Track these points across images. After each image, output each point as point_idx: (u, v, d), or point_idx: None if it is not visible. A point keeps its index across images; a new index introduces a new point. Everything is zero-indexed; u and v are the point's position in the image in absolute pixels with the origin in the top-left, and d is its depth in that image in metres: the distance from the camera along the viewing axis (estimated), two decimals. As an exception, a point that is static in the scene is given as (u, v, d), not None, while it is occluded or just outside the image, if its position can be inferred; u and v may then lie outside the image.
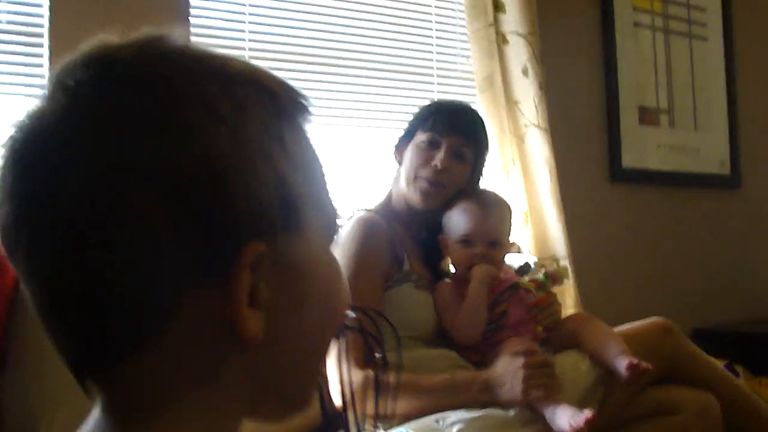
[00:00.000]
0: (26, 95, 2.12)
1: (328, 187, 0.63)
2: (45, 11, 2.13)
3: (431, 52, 2.91)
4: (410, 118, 2.15)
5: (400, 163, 2.10)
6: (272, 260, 0.55)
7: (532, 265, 2.18)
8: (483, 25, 2.81)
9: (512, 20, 2.81)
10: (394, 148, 2.14)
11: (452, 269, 2.10)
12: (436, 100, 2.64)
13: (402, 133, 2.14)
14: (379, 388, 1.57)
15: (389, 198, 2.13)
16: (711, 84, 3.63)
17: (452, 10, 2.95)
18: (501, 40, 2.83)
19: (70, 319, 0.54)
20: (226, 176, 0.53)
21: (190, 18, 2.36)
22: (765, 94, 3.85)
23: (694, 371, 2.04)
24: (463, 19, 2.89)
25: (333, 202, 0.64)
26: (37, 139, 0.53)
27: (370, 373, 1.69)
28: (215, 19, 2.49)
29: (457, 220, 2.00)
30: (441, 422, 1.77)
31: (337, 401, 1.70)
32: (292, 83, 0.62)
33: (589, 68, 3.26)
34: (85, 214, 0.51)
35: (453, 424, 1.76)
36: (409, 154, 2.06)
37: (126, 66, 0.54)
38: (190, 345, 0.54)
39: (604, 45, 3.29)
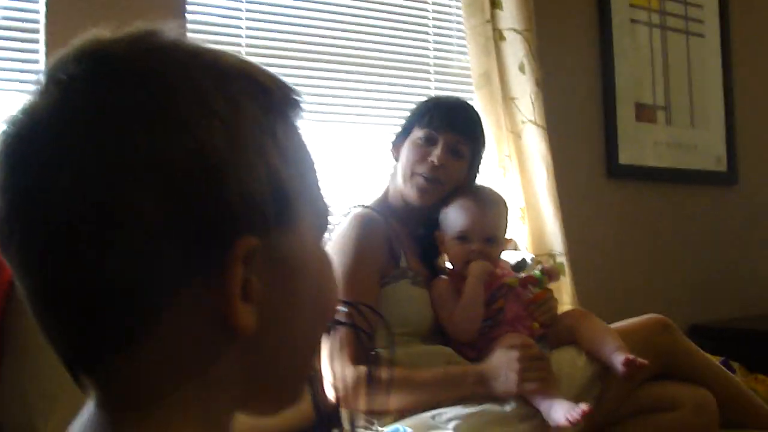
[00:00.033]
0: (22, 91, 2.12)
1: (320, 182, 0.64)
2: (41, 7, 2.13)
3: (428, 48, 2.91)
4: (407, 114, 2.15)
5: (397, 160, 2.10)
6: (265, 254, 0.55)
7: (529, 262, 2.18)
8: (480, 21, 2.80)
9: (509, 17, 2.81)
10: (391, 145, 2.14)
11: (449, 265, 2.10)
12: (433, 96, 2.64)
13: (399, 129, 2.14)
14: (371, 383, 1.58)
15: (386, 194, 2.13)
16: (708, 81, 3.63)
17: (449, 6, 2.95)
18: (498, 36, 2.83)
19: (63, 313, 0.54)
20: (219, 171, 0.53)
21: (186, 14, 2.35)
22: (761, 91, 3.85)
23: (691, 367, 2.04)
24: (460, 15, 2.89)
25: (325, 198, 0.64)
26: (30, 133, 0.53)
27: (363, 368, 1.70)
28: (212, 15, 2.49)
29: (454, 217, 2.00)
30: (437, 418, 1.77)
31: (331, 396, 1.71)
32: (284, 79, 0.62)
33: (586, 65, 3.26)
34: (78, 209, 0.51)
35: (449, 420, 1.76)
36: (405, 150, 2.06)
37: (119, 60, 0.54)
38: (182, 339, 0.54)
39: (601, 42, 3.29)
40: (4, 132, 0.54)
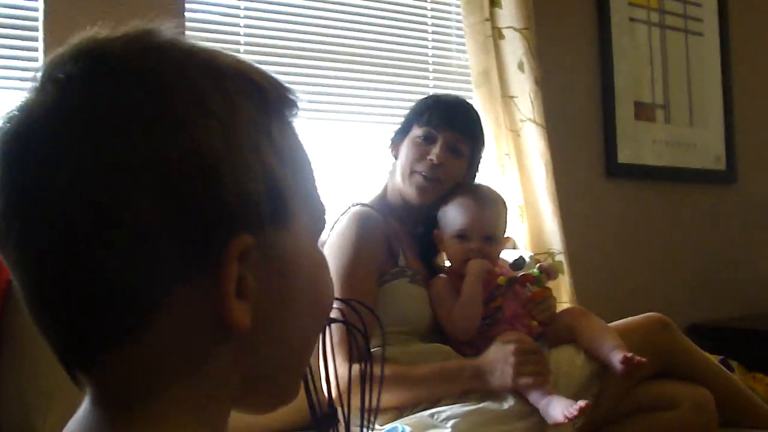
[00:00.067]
0: (20, 88, 2.12)
1: (316, 181, 0.64)
2: (40, 4, 2.12)
3: (427, 47, 2.91)
4: (406, 112, 2.15)
5: (396, 158, 2.10)
6: (260, 253, 0.55)
7: (527, 260, 2.18)
8: (479, 19, 2.80)
9: (508, 15, 2.81)
10: (390, 143, 2.14)
11: (447, 264, 2.10)
12: (432, 94, 2.64)
13: (398, 127, 2.14)
14: (365, 380, 1.58)
15: (385, 192, 2.12)
16: (707, 79, 3.63)
17: (448, 5, 2.95)
18: (497, 34, 2.83)
19: (59, 310, 0.54)
20: (215, 170, 0.53)
21: (185, 12, 2.35)
22: (760, 90, 3.86)
23: (689, 366, 2.05)
24: (458, 14, 2.88)
25: (320, 197, 0.65)
26: (27, 131, 0.53)
27: (358, 366, 1.70)
28: (210, 13, 2.49)
29: (453, 215, 2.00)
30: (435, 417, 1.77)
31: (326, 395, 1.71)
32: (280, 78, 0.62)
33: (585, 63, 3.26)
34: (75, 206, 0.51)
35: (448, 418, 1.76)
36: (404, 148, 2.06)
37: (116, 59, 0.54)
38: (178, 336, 0.54)
39: (600, 40, 3.29)
40: (1, 130, 0.54)
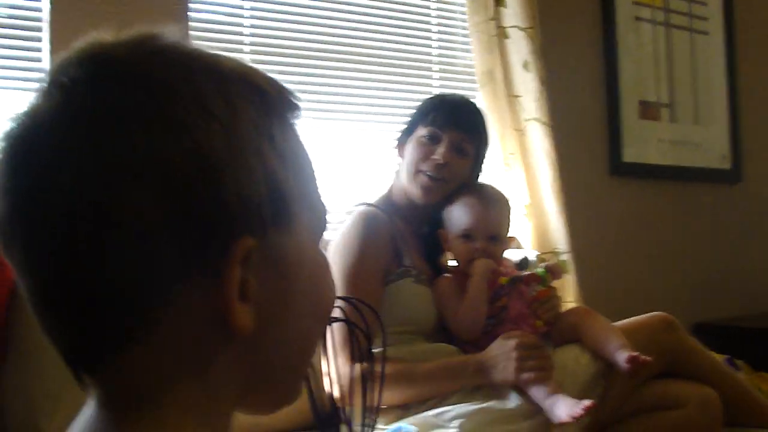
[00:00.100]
0: (25, 89, 2.12)
1: (318, 183, 0.64)
2: (44, 5, 2.12)
3: (431, 46, 2.91)
4: (411, 112, 2.15)
5: (401, 158, 2.10)
6: (262, 255, 0.56)
7: (532, 259, 2.18)
8: (483, 19, 2.80)
9: (513, 14, 2.81)
10: (395, 143, 2.14)
11: (452, 264, 2.10)
12: (437, 94, 2.64)
13: (403, 127, 2.14)
14: (367, 380, 1.58)
15: (390, 192, 2.13)
16: (712, 78, 3.63)
17: (453, 4, 2.95)
18: (502, 34, 2.83)
19: (64, 312, 0.54)
20: (217, 172, 0.53)
21: (189, 12, 2.35)
22: (766, 89, 3.85)
23: (695, 365, 2.04)
24: (463, 13, 2.88)
25: (322, 198, 0.65)
26: (32, 135, 0.54)
27: (361, 366, 1.70)
28: (214, 13, 2.49)
29: (458, 215, 2.00)
30: (440, 417, 1.77)
31: (329, 395, 1.71)
32: (282, 81, 0.63)
33: (590, 62, 3.26)
34: (76, 208, 0.52)
35: (453, 418, 1.76)
36: (410, 148, 2.06)
37: (120, 63, 0.55)
38: (181, 337, 0.54)
39: (605, 39, 3.28)
40: (6, 134, 0.55)
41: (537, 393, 1.78)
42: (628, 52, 3.32)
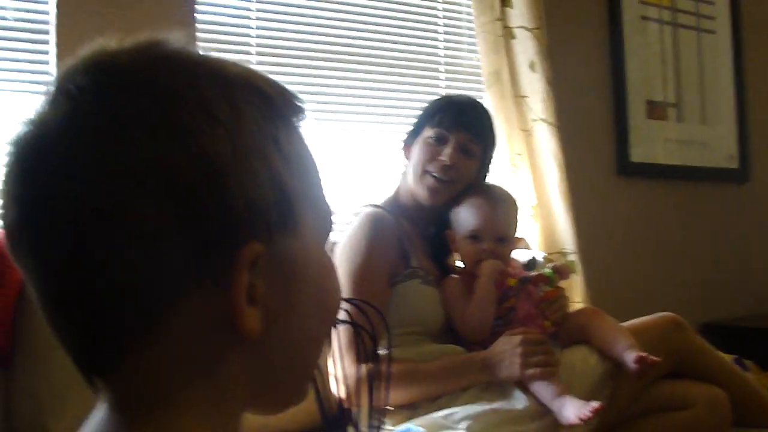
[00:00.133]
0: (33, 92, 2.13)
1: (323, 184, 0.65)
2: (51, 8, 2.13)
3: (438, 47, 2.91)
4: (418, 113, 2.14)
5: (408, 159, 2.10)
6: (268, 258, 0.56)
7: (539, 260, 2.18)
8: (490, 19, 2.80)
9: (519, 15, 2.81)
10: (402, 144, 2.14)
11: (460, 264, 2.10)
12: (443, 95, 2.64)
13: (410, 128, 2.14)
14: (373, 380, 1.58)
15: (397, 193, 2.12)
16: (719, 77, 3.62)
17: (459, 5, 2.95)
18: (508, 34, 2.83)
19: (75, 318, 0.55)
20: (222, 177, 0.54)
21: (196, 14, 2.35)
22: (774, 88, 3.84)
23: (703, 366, 2.04)
24: (470, 14, 2.88)
25: (327, 200, 0.65)
26: (40, 144, 0.55)
27: (366, 367, 1.71)
28: (222, 15, 2.49)
29: (466, 216, 2.00)
30: (449, 418, 1.77)
31: (336, 396, 1.71)
32: (288, 82, 0.63)
33: (597, 62, 3.25)
34: (87, 216, 0.52)
35: (461, 419, 1.76)
36: (416, 149, 2.06)
37: (125, 71, 0.56)
38: (191, 341, 0.55)
39: (612, 39, 3.28)
40: (14, 142, 0.56)
41: (545, 394, 1.78)
42: (634, 51, 3.31)
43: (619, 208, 3.25)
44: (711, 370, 2.04)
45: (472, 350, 1.94)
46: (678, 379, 2.01)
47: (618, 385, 1.90)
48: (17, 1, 2.16)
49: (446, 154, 2.00)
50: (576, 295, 2.75)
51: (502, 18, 2.81)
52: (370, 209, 2.03)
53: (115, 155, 0.53)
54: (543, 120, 2.80)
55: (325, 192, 0.65)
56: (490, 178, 2.18)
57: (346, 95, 2.68)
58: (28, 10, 2.17)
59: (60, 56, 2.09)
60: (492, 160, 2.16)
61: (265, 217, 0.56)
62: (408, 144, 2.11)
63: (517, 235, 2.07)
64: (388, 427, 1.83)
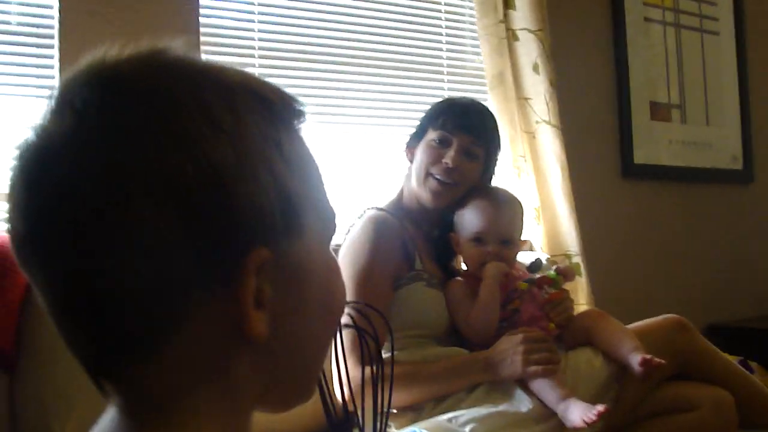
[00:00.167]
0: (37, 96, 2.13)
1: (325, 186, 0.66)
2: (55, 12, 2.13)
3: (441, 49, 2.91)
4: (421, 115, 2.14)
5: (411, 162, 2.10)
6: (275, 262, 0.57)
7: (544, 262, 2.17)
8: (493, 21, 2.80)
9: (522, 17, 2.80)
10: (405, 146, 2.14)
11: (464, 267, 2.10)
12: (447, 97, 2.64)
13: (413, 131, 2.13)
14: (376, 382, 1.58)
15: (400, 196, 2.12)
16: (723, 79, 3.61)
17: (462, 7, 2.95)
18: (511, 36, 2.83)
19: (86, 326, 0.56)
20: (228, 184, 0.55)
21: (200, 18, 2.35)
22: (777, 88, 3.83)
23: (709, 367, 2.03)
24: (473, 16, 2.88)
25: (330, 202, 0.66)
26: (44, 155, 0.55)
27: (370, 369, 1.70)
28: (225, 18, 2.49)
29: (470, 219, 2.00)
30: (454, 421, 1.77)
31: (340, 398, 1.71)
32: (289, 86, 0.64)
33: (600, 64, 3.25)
34: (93, 226, 0.53)
35: (466, 422, 1.75)
36: (420, 152, 2.06)
37: (127, 81, 0.56)
38: (200, 345, 0.56)
39: (615, 40, 3.28)
40: (20, 155, 0.56)
41: (550, 397, 1.78)
42: (638, 53, 3.31)
43: (623, 209, 3.25)
44: (716, 371, 2.03)
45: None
46: (683, 381, 2.00)
47: (623, 388, 1.90)
48: (21, 6, 2.16)
49: (449, 156, 2.00)
50: (580, 297, 2.75)
51: (505, 20, 2.81)
52: (373, 212, 2.03)
53: (119, 166, 0.53)
54: (546, 122, 2.80)
55: (327, 193, 0.66)
56: (494, 181, 2.18)
57: (349, 98, 2.68)
58: (32, 15, 2.17)
59: (64, 60, 2.09)
60: (496, 163, 2.15)
61: (270, 222, 0.57)
62: (411, 146, 2.11)
63: (521, 237, 2.07)
64: (392, 430, 1.83)
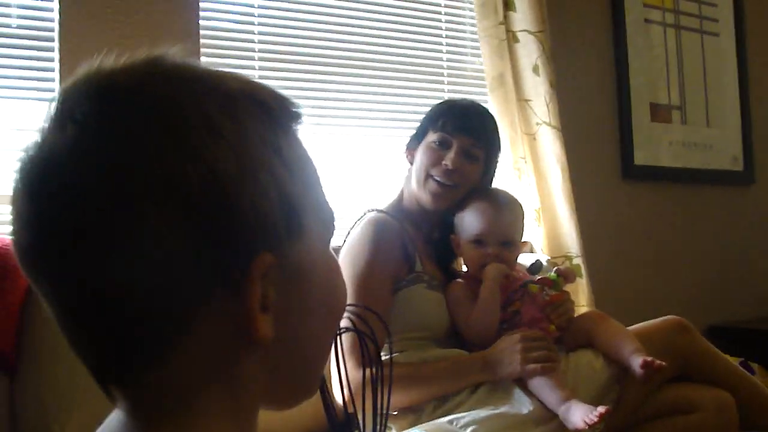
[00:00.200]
0: (37, 98, 2.13)
1: (323, 187, 0.66)
2: (55, 15, 2.13)
3: (441, 51, 2.91)
4: (421, 117, 2.14)
5: (411, 163, 2.09)
6: (279, 266, 0.58)
7: (544, 264, 2.17)
8: (493, 23, 2.80)
9: (522, 18, 2.81)
10: (405, 148, 2.14)
11: (464, 269, 2.10)
12: (447, 99, 2.64)
13: (413, 132, 2.13)
14: (375, 384, 1.58)
15: (401, 198, 2.12)
16: (723, 80, 3.61)
17: (462, 9, 2.95)
18: (511, 38, 2.83)
19: (94, 332, 0.56)
20: (231, 191, 0.55)
21: (199, 21, 2.35)
22: (778, 90, 3.83)
23: (710, 369, 2.03)
24: (473, 18, 2.88)
25: (329, 203, 0.67)
26: (47, 167, 0.56)
27: (370, 371, 1.70)
28: (225, 21, 2.49)
29: (470, 220, 2.00)
30: (455, 423, 1.77)
31: (340, 400, 1.71)
32: (288, 88, 0.64)
33: (601, 65, 3.25)
34: (102, 238, 0.54)
35: (467, 424, 1.75)
36: (420, 154, 2.06)
37: (128, 91, 0.57)
38: (208, 348, 0.57)
39: (615, 42, 3.28)
40: (22, 168, 0.57)
41: (551, 399, 1.78)
42: (638, 54, 3.31)
43: (623, 211, 3.25)
44: (717, 373, 2.03)
45: (476, 354, 1.94)
46: (684, 382, 2.00)
47: (624, 390, 1.90)
48: (21, 9, 2.16)
49: (449, 158, 1.99)
50: (581, 298, 2.75)
51: (505, 22, 2.81)
52: (373, 214, 2.03)
53: (122, 173, 0.54)
54: (547, 123, 2.80)
55: (325, 193, 0.67)
56: (495, 183, 2.18)
57: (350, 101, 2.68)
58: (32, 18, 2.17)
59: (64, 62, 2.09)
60: (497, 165, 2.15)
61: (272, 226, 0.57)
62: (411, 148, 2.11)
63: (522, 239, 2.07)
64: (392, 430, 1.83)
